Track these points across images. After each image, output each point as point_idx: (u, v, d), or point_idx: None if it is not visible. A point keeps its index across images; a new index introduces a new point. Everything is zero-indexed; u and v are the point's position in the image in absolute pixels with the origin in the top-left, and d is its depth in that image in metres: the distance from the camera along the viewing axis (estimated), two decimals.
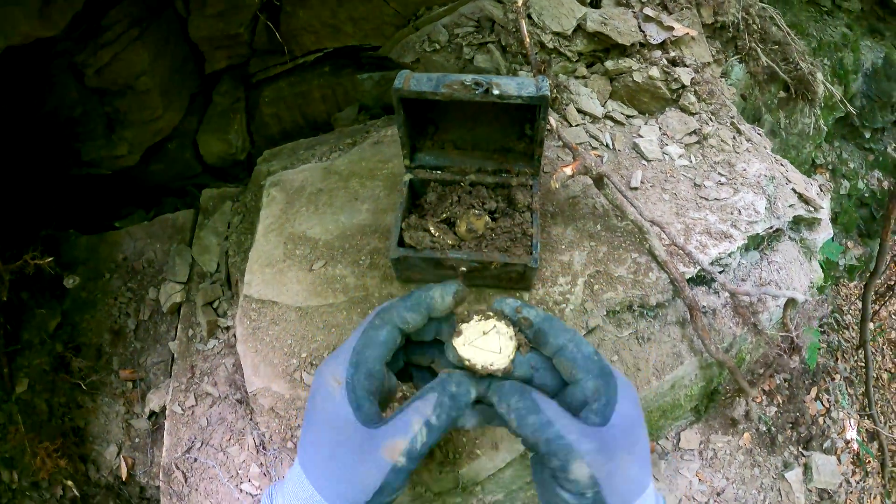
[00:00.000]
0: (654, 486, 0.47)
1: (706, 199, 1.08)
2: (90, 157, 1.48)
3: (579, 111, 1.14)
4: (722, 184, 1.11)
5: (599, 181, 0.92)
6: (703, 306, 1.02)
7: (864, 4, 2.18)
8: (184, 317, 1.29)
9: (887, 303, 2.78)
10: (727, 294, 1.07)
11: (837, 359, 2.58)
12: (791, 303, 0.99)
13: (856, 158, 2.41)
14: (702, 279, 1.02)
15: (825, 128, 1.57)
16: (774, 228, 1.12)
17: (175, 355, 1.27)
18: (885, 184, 2.46)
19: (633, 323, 0.94)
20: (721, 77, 1.37)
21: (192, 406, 1.18)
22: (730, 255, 1.04)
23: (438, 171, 0.88)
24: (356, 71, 1.51)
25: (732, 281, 1.08)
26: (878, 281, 2.45)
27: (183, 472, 1.11)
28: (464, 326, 0.51)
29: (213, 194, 1.36)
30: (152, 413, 1.29)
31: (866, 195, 2.39)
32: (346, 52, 1.48)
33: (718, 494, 2.12)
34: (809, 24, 2.08)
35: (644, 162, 1.10)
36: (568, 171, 0.86)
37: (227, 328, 1.21)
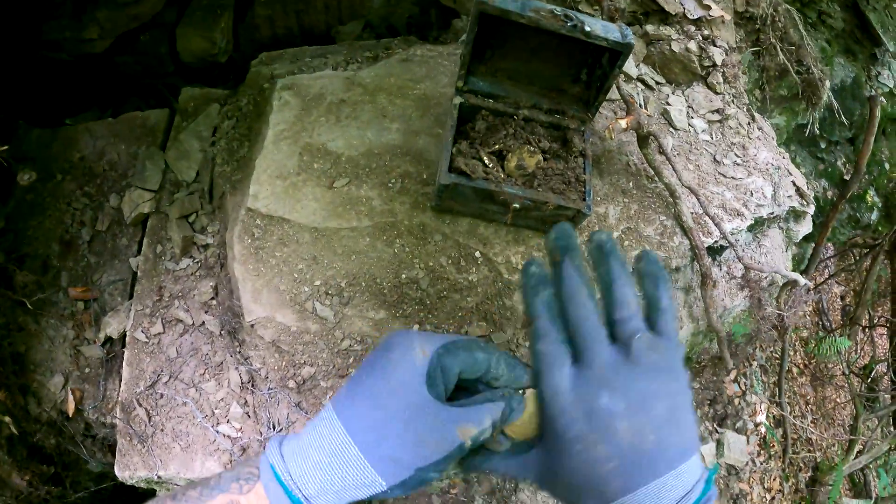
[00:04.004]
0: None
1: (724, 176, 1.10)
2: (53, 36, 1.25)
3: None
4: (738, 164, 1.13)
5: (644, 140, 0.90)
6: None
7: (847, 25, 2.30)
8: (151, 230, 1.14)
9: (804, 304, 3.07)
10: (727, 268, 1.12)
11: (756, 347, 2.82)
12: (790, 284, 1.04)
13: (807, 165, 2.58)
14: (712, 250, 1.05)
15: (816, 130, 1.66)
16: (774, 215, 1.17)
17: (138, 274, 1.12)
18: (830, 194, 2.66)
19: None
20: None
21: (159, 334, 1.05)
22: (739, 231, 1.07)
23: (491, 100, 0.82)
24: None
25: (732, 257, 1.12)
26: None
27: (146, 409, 0.98)
28: None
29: (194, 94, 1.19)
30: (108, 339, 1.14)
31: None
32: None
33: None
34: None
35: (672, 130, 1.10)
36: (623, 123, 0.83)
37: (206, 246, 1.08)
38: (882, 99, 1.94)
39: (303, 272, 0.81)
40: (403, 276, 0.79)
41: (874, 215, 2.45)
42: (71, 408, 1.12)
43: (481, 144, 0.78)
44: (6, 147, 0.93)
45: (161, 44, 1.44)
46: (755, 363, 2.80)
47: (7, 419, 1.07)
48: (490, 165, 0.74)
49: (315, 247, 0.81)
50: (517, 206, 0.74)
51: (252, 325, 0.81)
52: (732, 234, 1.05)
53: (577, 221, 0.79)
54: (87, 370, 1.15)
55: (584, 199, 0.76)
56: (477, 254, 0.81)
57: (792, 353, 3.05)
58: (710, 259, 1.07)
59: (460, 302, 0.79)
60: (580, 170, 0.79)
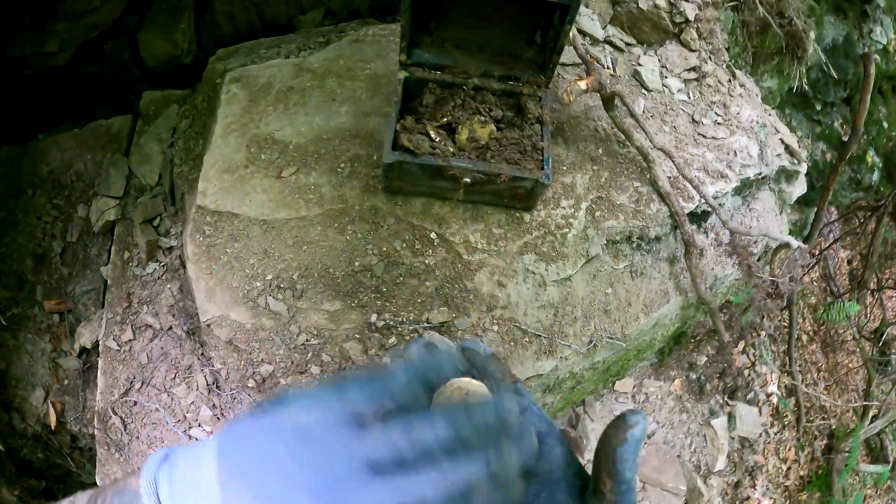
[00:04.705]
0: None
1: (704, 137, 1.04)
2: (16, 53, 1.24)
3: (580, 31, 1.05)
4: (719, 123, 1.07)
5: (610, 101, 0.85)
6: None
7: None
8: (118, 237, 1.12)
9: (810, 270, 2.99)
10: (714, 235, 1.06)
11: (763, 317, 2.75)
12: (783, 248, 0.98)
13: (804, 128, 2.49)
14: (696, 216, 1.00)
15: (806, 87, 1.58)
16: (763, 175, 1.11)
17: (108, 282, 1.10)
18: (829, 156, 2.57)
19: (629, 255, 0.90)
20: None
21: (130, 340, 1.03)
22: (724, 195, 1.01)
23: (438, 72, 0.77)
24: None
25: (720, 223, 1.06)
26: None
27: (121, 417, 0.97)
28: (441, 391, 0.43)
29: (155, 97, 1.17)
30: (83, 350, 1.12)
31: (809, 165, 2.51)
32: None
33: (649, 437, 2.23)
34: None
35: (644, 91, 1.04)
36: (583, 85, 0.78)
37: (171, 249, 1.06)
38: (876, 56, 1.85)
39: (254, 267, 0.78)
40: (357, 263, 0.75)
41: (875, 176, 2.37)
42: (53, 421, 1.11)
43: (429, 119, 0.74)
44: None
45: (124, 51, 1.42)
46: (763, 333, 2.73)
47: None
48: (437, 140, 0.70)
49: (265, 240, 0.78)
50: (468, 180, 0.69)
51: (208, 325, 0.79)
52: (716, 197, 0.99)
53: (536, 192, 0.74)
54: (66, 382, 1.14)
55: (543, 168, 0.72)
56: (433, 235, 0.77)
57: (801, 320, 2.97)
58: (694, 226, 1.02)
59: (418, 287, 0.75)
60: (537, 137, 0.74)
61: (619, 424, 0.36)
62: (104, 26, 1.35)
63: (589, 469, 0.42)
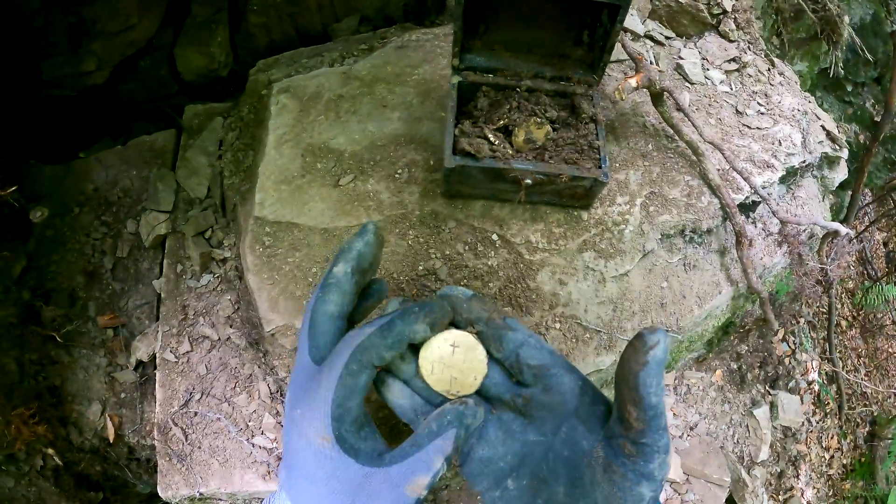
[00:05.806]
0: None
1: (748, 128, 1.03)
2: (53, 74, 1.27)
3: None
4: (762, 113, 1.07)
5: (658, 97, 0.85)
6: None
7: None
8: (170, 251, 1.14)
9: (847, 255, 2.94)
10: (763, 224, 1.05)
11: (802, 303, 2.71)
12: (831, 235, 0.97)
13: (836, 110, 2.45)
14: (744, 207, 0.99)
15: (840, 71, 1.56)
16: (806, 163, 1.10)
17: (162, 295, 1.12)
18: (862, 138, 2.53)
19: (682, 248, 0.90)
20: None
21: (188, 352, 1.05)
22: (771, 184, 1.01)
23: (490, 75, 0.78)
24: None
25: (767, 213, 1.06)
26: None
27: (182, 428, 0.99)
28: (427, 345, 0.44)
29: (198, 111, 1.19)
30: (139, 363, 1.15)
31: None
32: None
33: (691, 429, 2.21)
34: None
35: (688, 85, 1.04)
36: (633, 82, 0.78)
37: (224, 260, 1.08)
38: None
39: (317, 276, 0.79)
40: (420, 267, 0.76)
41: None
42: (111, 434, 1.14)
43: (485, 122, 0.74)
44: (14, 188, 0.94)
45: (161, 66, 1.45)
46: (803, 320, 2.68)
47: (50, 451, 1.10)
48: (496, 143, 0.71)
49: (326, 248, 0.80)
50: (529, 181, 0.70)
51: (272, 335, 0.80)
52: (764, 187, 0.99)
53: (594, 191, 0.75)
54: (122, 395, 1.17)
55: (600, 167, 0.72)
56: (494, 237, 0.78)
57: (839, 306, 2.92)
58: (743, 217, 1.01)
59: (482, 289, 0.76)
60: (592, 136, 0.75)
61: (637, 346, 0.34)
62: (140, 44, 1.38)
63: (607, 393, 0.41)
